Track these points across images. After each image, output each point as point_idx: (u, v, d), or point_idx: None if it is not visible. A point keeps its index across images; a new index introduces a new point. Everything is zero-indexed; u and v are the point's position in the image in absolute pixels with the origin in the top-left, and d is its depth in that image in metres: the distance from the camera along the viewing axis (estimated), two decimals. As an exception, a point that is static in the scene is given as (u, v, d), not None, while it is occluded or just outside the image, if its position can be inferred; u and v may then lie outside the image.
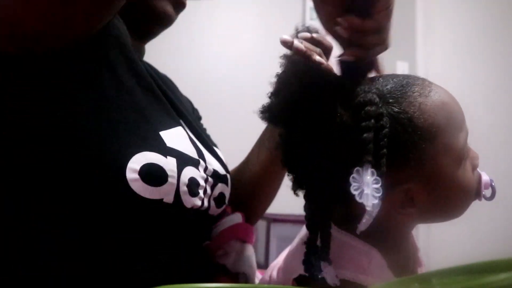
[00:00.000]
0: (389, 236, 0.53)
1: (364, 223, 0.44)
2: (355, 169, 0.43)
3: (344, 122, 0.46)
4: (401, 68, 2.49)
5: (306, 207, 0.52)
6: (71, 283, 0.51)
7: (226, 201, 0.67)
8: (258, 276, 0.68)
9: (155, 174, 0.52)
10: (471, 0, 2.38)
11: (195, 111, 0.84)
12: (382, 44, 0.52)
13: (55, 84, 0.51)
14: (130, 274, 0.54)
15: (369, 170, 0.43)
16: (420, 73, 2.58)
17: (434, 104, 0.49)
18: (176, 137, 0.59)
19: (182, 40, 2.02)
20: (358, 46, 0.50)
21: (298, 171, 0.51)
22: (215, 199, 0.63)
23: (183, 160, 0.57)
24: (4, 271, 0.52)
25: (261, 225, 1.91)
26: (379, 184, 0.43)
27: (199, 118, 0.85)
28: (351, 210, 0.49)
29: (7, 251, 0.52)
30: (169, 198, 0.54)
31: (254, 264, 0.67)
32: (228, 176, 0.68)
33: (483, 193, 0.55)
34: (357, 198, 0.42)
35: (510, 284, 0.20)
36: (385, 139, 0.45)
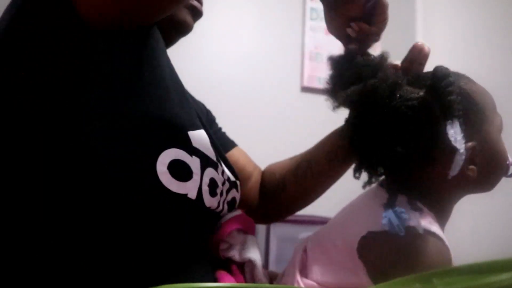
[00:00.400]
0: (442, 205, 0.62)
1: (454, 167, 0.55)
2: (448, 121, 0.56)
3: (426, 94, 0.59)
4: (401, 68, 2.49)
5: (386, 178, 0.64)
6: (89, 276, 0.53)
7: (236, 206, 0.70)
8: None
9: (182, 169, 0.56)
10: (471, 1, 2.38)
11: (208, 113, 0.86)
12: (376, 41, 0.69)
13: (109, 67, 0.54)
14: (146, 268, 0.55)
15: (458, 123, 0.56)
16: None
17: (479, 88, 0.65)
18: (200, 139, 0.62)
19: (182, 40, 2.01)
20: (359, 42, 0.67)
21: (376, 147, 0.61)
22: (228, 202, 0.66)
23: (205, 161, 0.60)
24: (32, 264, 0.53)
25: (260, 225, 1.91)
26: (463, 134, 0.55)
27: (213, 119, 0.86)
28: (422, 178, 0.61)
29: (32, 245, 0.54)
30: (192, 194, 0.57)
31: (259, 251, 0.68)
32: (238, 182, 0.71)
33: (510, 169, 0.65)
34: (453, 143, 0.55)
35: (511, 284, 0.20)
36: (455, 100, 0.57)
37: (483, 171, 0.61)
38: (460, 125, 0.56)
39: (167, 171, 0.54)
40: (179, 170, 0.56)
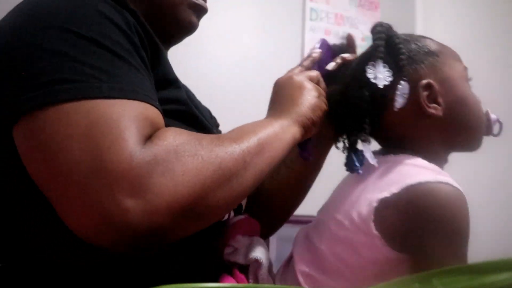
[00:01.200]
0: (430, 152, 0.64)
1: (397, 99, 0.61)
2: (370, 62, 0.63)
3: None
4: (401, 68, 2.49)
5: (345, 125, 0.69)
6: (90, 275, 0.52)
7: (242, 210, 0.69)
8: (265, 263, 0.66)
9: None
10: (471, 1, 2.38)
11: (213, 119, 0.85)
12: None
13: None
14: (150, 270, 0.54)
15: (381, 64, 0.62)
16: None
17: (432, 39, 0.71)
18: None
19: (183, 41, 2.02)
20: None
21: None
22: (235, 209, 0.65)
23: None
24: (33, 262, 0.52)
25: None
26: (391, 73, 0.62)
27: (217, 125, 0.86)
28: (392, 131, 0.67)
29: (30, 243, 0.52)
30: None
31: (266, 252, 0.67)
32: None
33: (493, 126, 0.69)
34: (372, 80, 0.61)
35: (511, 284, 0.19)
36: (399, 45, 0.65)
37: (452, 114, 0.64)
38: (388, 67, 0.62)
39: None
40: None
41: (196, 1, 0.70)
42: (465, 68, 0.69)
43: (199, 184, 0.45)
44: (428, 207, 0.55)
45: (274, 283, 0.65)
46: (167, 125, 0.51)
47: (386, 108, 0.64)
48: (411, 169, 0.60)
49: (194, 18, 0.71)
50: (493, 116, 0.69)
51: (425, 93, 0.63)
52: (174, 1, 0.68)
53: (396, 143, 0.66)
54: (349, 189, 0.64)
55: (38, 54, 0.47)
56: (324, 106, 0.64)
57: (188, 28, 0.71)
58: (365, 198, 0.59)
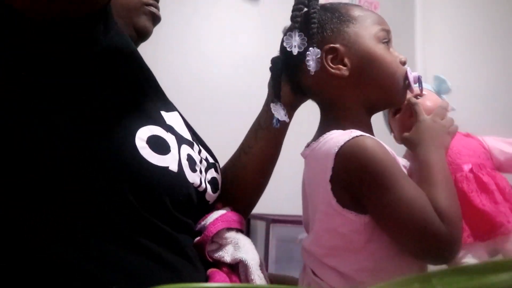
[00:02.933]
0: (350, 112, 0.73)
1: (308, 64, 0.69)
2: (288, 32, 0.71)
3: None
4: (401, 69, 2.49)
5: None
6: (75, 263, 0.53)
7: (219, 187, 0.73)
8: (256, 260, 0.66)
9: (160, 143, 0.60)
10: (470, 1, 2.38)
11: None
12: None
13: (73, 68, 0.58)
14: (137, 247, 0.55)
15: (297, 33, 0.70)
16: (420, 74, 2.58)
17: (358, 6, 0.76)
18: (174, 119, 0.67)
19: (182, 42, 2.02)
20: None
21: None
22: (209, 182, 0.69)
23: (180, 139, 0.65)
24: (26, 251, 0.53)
25: (260, 226, 1.91)
26: (305, 41, 0.70)
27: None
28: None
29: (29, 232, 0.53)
30: (173, 167, 0.61)
31: (253, 251, 0.67)
32: (217, 164, 0.75)
33: (413, 83, 0.74)
34: (288, 48, 0.69)
35: (511, 285, 0.19)
36: (312, 15, 0.71)
37: (360, 72, 0.71)
38: (303, 35, 0.70)
39: (146, 145, 0.58)
40: (157, 144, 0.60)
41: (150, 9, 0.75)
42: (382, 30, 0.74)
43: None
44: (356, 159, 0.63)
45: (266, 281, 0.65)
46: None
47: (303, 73, 0.72)
48: (332, 140, 0.68)
49: (149, 24, 0.76)
50: (413, 74, 0.74)
51: (329, 56, 0.71)
52: (130, 7, 0.73)
53: (324, 110, 0.76)
54: (307, 182, 0.73)
55: None
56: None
57: (143, 34, 0.76)
58: (320, 179, 0.67)
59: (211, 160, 0.74)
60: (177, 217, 0.61)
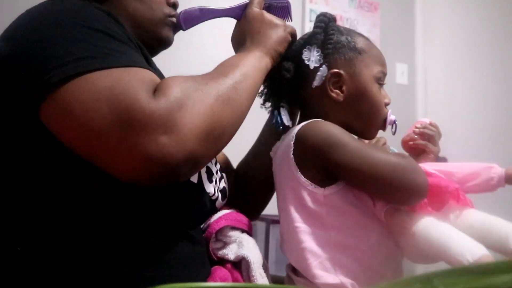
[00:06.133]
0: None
1: (316, 78, 0.78)
2: (307, 46, 0.79)
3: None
4: (400, 70, 2.49)
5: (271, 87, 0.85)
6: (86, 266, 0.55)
7: (227, 195, 0.75)
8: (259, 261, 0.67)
9: None
10: (470, 2, 2.38)
11: None
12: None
13: None
14: (153, 252, 0.58)
15: (316, 49, 0.79)
16: (420, 75, 2.59)
17: (366, 39, 0.84)
18: None
19: (183, 43, 2.01)
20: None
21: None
22: (220, 191, 0.72)
23: None
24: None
25: (260, 226, 1.91)
26: (321, 57, 0.79)
27: None
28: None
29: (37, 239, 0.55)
30: (194, 178, 0.63)
31: (256, 250, 0.68)
32: (224, 175, 0.77)
33: (388, 124, 0.83)
34: (306, 61, 0.78)
35: (512, 285, 0.19)
36: (330, 36, 0.80)
37: (351, 103, 0.80)
38: (320, 52, 0.78)
39: None
40: None
41: (173, 20, 0.78)
42: (381, 72, 0.82)
43: (208, 110, 0.56)
44: (313, 131, 0.73)
45: (268, 280, 0.66)
46: None
47: (306, 84, 0.80)
48: (293, 128, 0.77)
49: (171, 34, 0.79)
50: (391, 117, 0.82)
51: (333, 79, 0.79)
52: (155, 20, 0.75)
53: (305, 118, 0.80)
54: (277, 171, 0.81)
55: (59, 41, 0.55)
56: (289, 38, 0.80)
57: (166, 44, 0.79)
58: (285, 157, 0.75)
59: (221, 170, 0.77)
60: (188, 224, 0.64)
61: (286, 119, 0.81)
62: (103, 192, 0.56)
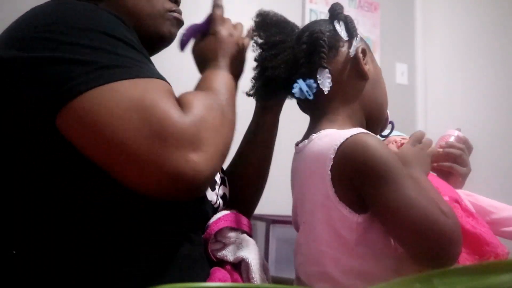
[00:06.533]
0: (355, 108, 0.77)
1: (352, 48, 0.77)
2: (335, 20, 0.80)
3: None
4: (400, 70, 2.49)
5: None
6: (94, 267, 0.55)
7: (227, 200, 0.75)
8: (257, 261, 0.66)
9: None
10: (470, 2, 2.38)
11: None
12: None
13: None
14: (155, 259, 0.57)
15: (344, 24, 0.80)
16: (420, 74, 2.59)
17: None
18: None
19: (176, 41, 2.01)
20: None
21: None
22: (221, 197, 0.72)
23: None
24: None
25: (260, 226, 1.91)
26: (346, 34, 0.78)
27: None
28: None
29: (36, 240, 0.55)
30: None
31: (256, 252, 0.67)
32: (226, 178, 0.77)
33: (387, 124, 0.81)
34: (339, 32, 0.79)
35: (512, 285, 0.19)
36: (351, 18, 0.82)
37: (375, 84, 0.78)
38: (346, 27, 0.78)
39: None
40: None
41: (174, 15, 0.76)
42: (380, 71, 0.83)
43: (224, 130, 0.58)
44: (359, 153, 0.64)
45: (268, 280, 0.66)
46: None
47: (332, 59, 0.76)
48: (335, 133, 0.69)
49: (174, 30, 0.77)
50: (390, 119, 0.81)
51: (361, 55, 0.77)
52: (155, 14, 0.73)
53: (318, 110, 0.77)
54: (303, 183, 0.73)
55: (79, 47, 0.53)
56: (242, 41, 0.81)
57: (169, 40, 0.77)
58: (320, 170, 0.67)
59: (221, 174, 0.77)
60: (189, 228, 0.64)
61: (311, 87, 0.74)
62: (103, 193, 0.55)
